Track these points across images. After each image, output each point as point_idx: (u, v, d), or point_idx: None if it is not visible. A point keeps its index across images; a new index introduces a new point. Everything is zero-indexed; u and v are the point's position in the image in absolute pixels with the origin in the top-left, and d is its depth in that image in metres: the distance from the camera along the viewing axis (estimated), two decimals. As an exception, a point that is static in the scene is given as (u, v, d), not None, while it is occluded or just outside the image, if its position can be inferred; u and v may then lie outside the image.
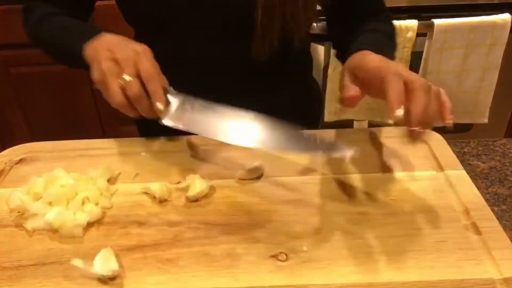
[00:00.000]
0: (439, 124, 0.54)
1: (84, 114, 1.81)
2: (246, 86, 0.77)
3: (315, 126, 0.93)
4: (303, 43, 0.74)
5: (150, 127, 0.68)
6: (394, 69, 0.54)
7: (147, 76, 0.57)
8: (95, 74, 0.58)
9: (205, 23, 0.73)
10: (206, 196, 0.60)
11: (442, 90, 0.54)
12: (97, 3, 0.85)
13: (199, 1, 0.71)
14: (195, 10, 0.72)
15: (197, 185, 0.59)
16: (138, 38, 0.72)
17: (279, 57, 0.72)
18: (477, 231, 0.53)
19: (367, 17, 0.77)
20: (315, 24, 1.30)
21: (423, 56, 1.49)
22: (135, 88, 0.56)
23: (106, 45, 0.60)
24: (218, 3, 0.71)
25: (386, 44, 0.73)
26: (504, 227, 0.53)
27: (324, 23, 1.44)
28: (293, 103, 0.84)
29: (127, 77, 0.56)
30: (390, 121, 1.58)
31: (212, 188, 0.60)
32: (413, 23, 1.41)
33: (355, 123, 1.63)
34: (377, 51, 0.62)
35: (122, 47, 0.59)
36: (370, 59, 0.58)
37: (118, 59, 0.57)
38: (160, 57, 0.64)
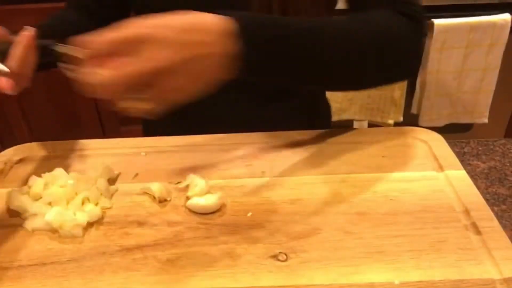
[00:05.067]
0: None
1: (84, 114, 1.81)
2: (256, 93, 0.78)
3: (328, 125, 0.93)
4: None
5: (154, 127, 0.70)
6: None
7: None
8: None
9: None
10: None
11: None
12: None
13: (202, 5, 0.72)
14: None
15: (197, 185, 0.59)
16: None
17: None
18: (477, 231, 0.53)
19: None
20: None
21: (423, 56, 1.49)
22: None
23: None
24: (217, 5, 0.71)
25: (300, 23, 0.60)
26: (504, 227, 0.53)
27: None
28: (301, 103, 0.84)
29: None
30: (390, 122, 1.59)
31: (212, 188, 0.60)
32: (413, 23, 1.41)
33: (355, 123, 1.63)
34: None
35: None
36: None
37: None
38: None
